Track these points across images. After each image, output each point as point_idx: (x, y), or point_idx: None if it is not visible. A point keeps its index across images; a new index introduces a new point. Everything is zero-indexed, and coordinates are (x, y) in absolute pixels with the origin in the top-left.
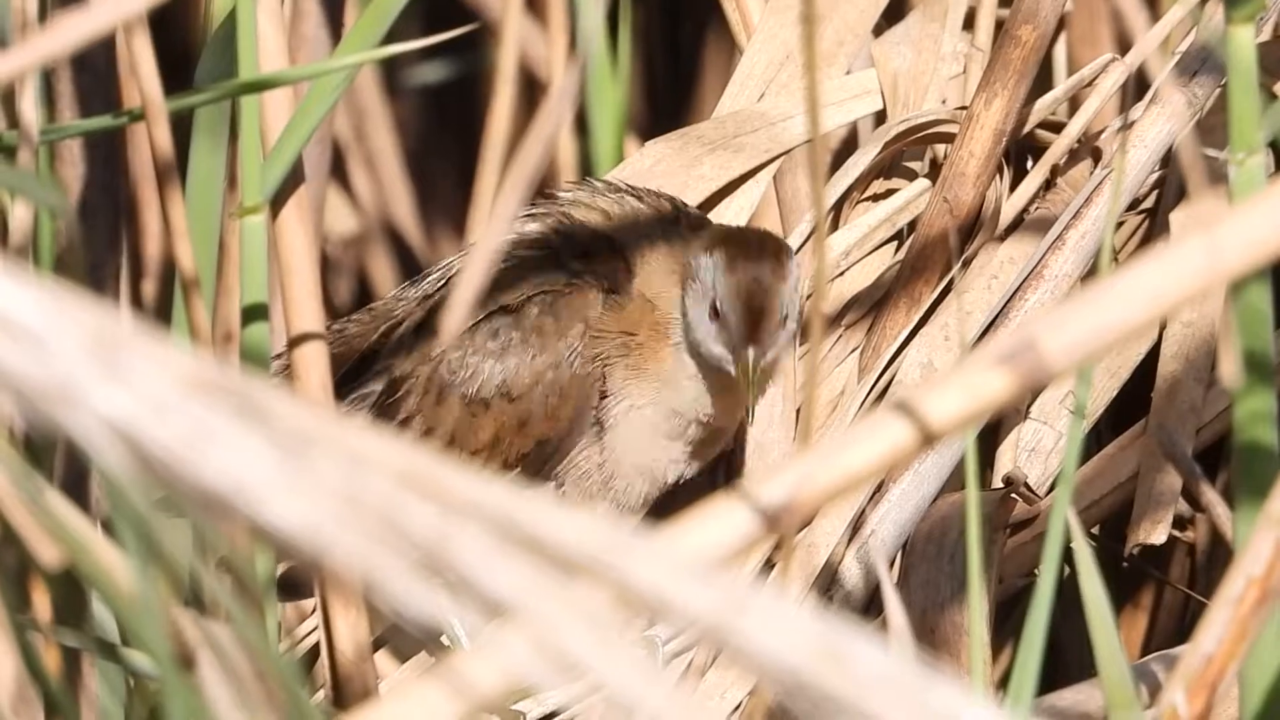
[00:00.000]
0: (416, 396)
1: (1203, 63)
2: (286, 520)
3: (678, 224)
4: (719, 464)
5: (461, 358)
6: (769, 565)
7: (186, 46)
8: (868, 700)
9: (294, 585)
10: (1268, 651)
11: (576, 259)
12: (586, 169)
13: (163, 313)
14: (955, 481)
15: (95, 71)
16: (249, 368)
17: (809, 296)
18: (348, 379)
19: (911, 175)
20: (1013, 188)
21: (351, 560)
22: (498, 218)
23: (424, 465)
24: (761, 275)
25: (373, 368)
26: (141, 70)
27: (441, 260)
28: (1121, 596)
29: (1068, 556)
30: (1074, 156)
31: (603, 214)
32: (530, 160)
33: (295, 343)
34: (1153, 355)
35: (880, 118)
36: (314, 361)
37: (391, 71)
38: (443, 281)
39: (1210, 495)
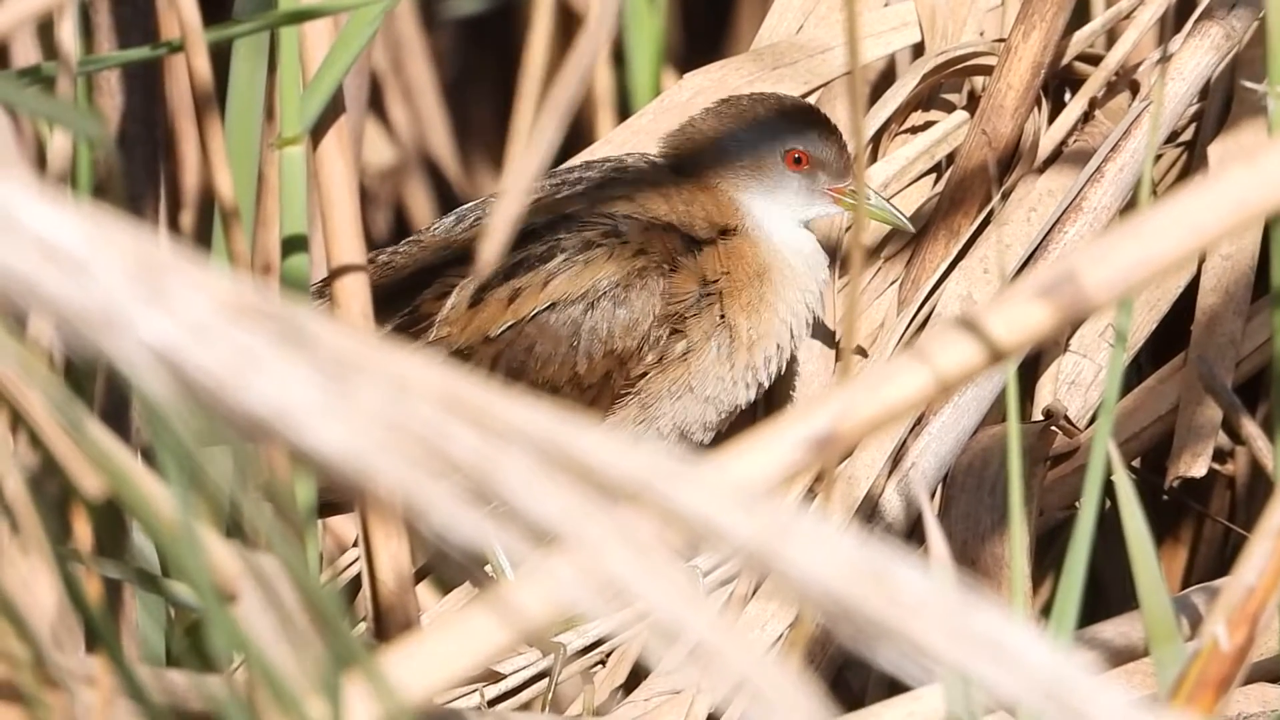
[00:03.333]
0: (483, 373)
1: None
2: (329, 445)
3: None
4: (760, 395)
5: (530, 349)
6: (810, 497)
7: None
8: (911, 624)
9: (332, 504)
10: None
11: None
12: (623, 100)
13: (202, 244)
14: (995, 414)
15: (134, 3)
16: (289, 298)
17: (848, 229)
18: (393, 310)
19: (950, 107)
20: (1051, 120)
21: (394, 486)
22: (535, 148)
23: (468, 391)
24: (808, 105)
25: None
26: (180, 1)
27: (482, 193)
28: (1162, 529)
29: (1108, 489)
30: (1112, 89)
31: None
32: (567, 91)
33: (336, 273)
34: (1192, 288)
35: (918, 50)
36: (355, 291)
37: (429, 3)
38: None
39: (1250, 428)
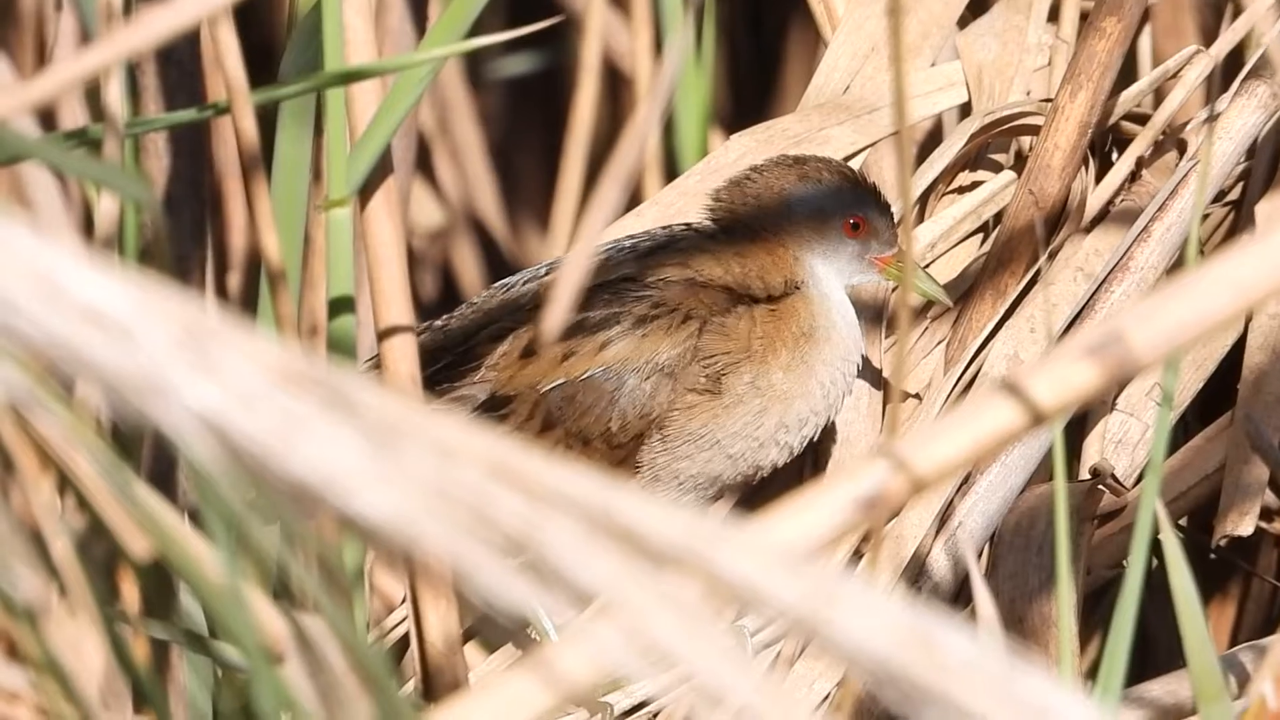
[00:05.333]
0: (519, 419)
1: None
2: (376, 511)
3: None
4: (806, 455)
5: (572, 396)
6: (857, 557)
7: (270, 40)
8: (957, 689)
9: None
10: None
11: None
12: (671, 161)
13: (248, 306)
14: (1043, 473)
15: (180, 65)
16: (336, 361)
17: (895, 290)
18: (444, 375)
19: (997, 167)
20: (1098, 180)
21: (441, 551)
22: (595, 214)
23: (513, 456)
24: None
25: (473, 370)
26: (227, 62)
27: (529, 253)
28: (1209, 587)
29: (1155, 548)
30: (1159, 149)
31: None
32: (626, 160)
33: (384, 335)
34: (1239, 346)
35: (965, 110)
36: (403, 354)
37: (476, 64)
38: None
39: None
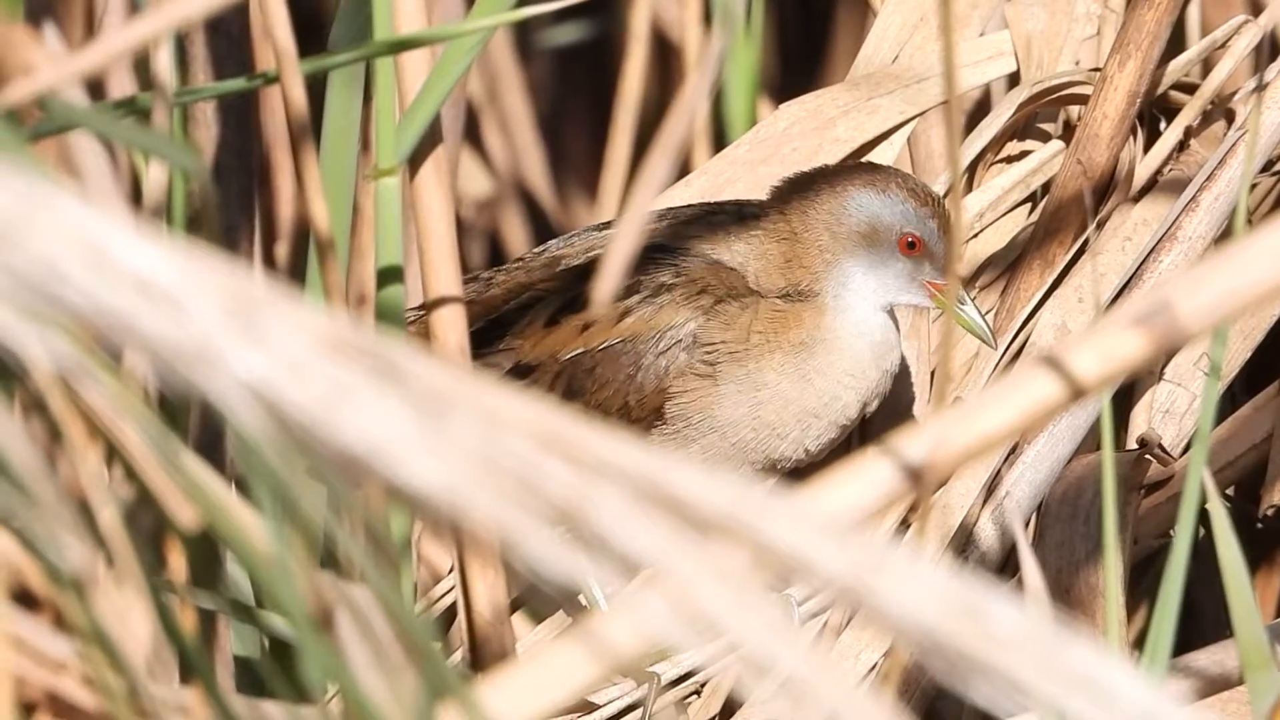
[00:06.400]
0: (542, 389)
1: None
2: (424, 481)
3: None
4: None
5: (592, 368)
6: (904, 526)
7: (319, 9)
8: (1003, 659)
9: None
10: None
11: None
12: (719, 132)
13: (296, 275)
14: (1090, 443)
15: (229, 34)
16: (384, 330)
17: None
18: (478, 340)
19: (1045, 137)
20: (1146, 149)
21: (489, 521)
22: (645, 186)
23: (561, 425)
24: (937, 196)
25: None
26: (276, 31)
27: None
28: (1256, 557)
29: (1203, 517)
30: (1207, 118)
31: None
32: (675, 131)
33: (433, 305)
34: None
35: (1014, 79)
36: (452, 323)
37: (525, 34)
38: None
39: None
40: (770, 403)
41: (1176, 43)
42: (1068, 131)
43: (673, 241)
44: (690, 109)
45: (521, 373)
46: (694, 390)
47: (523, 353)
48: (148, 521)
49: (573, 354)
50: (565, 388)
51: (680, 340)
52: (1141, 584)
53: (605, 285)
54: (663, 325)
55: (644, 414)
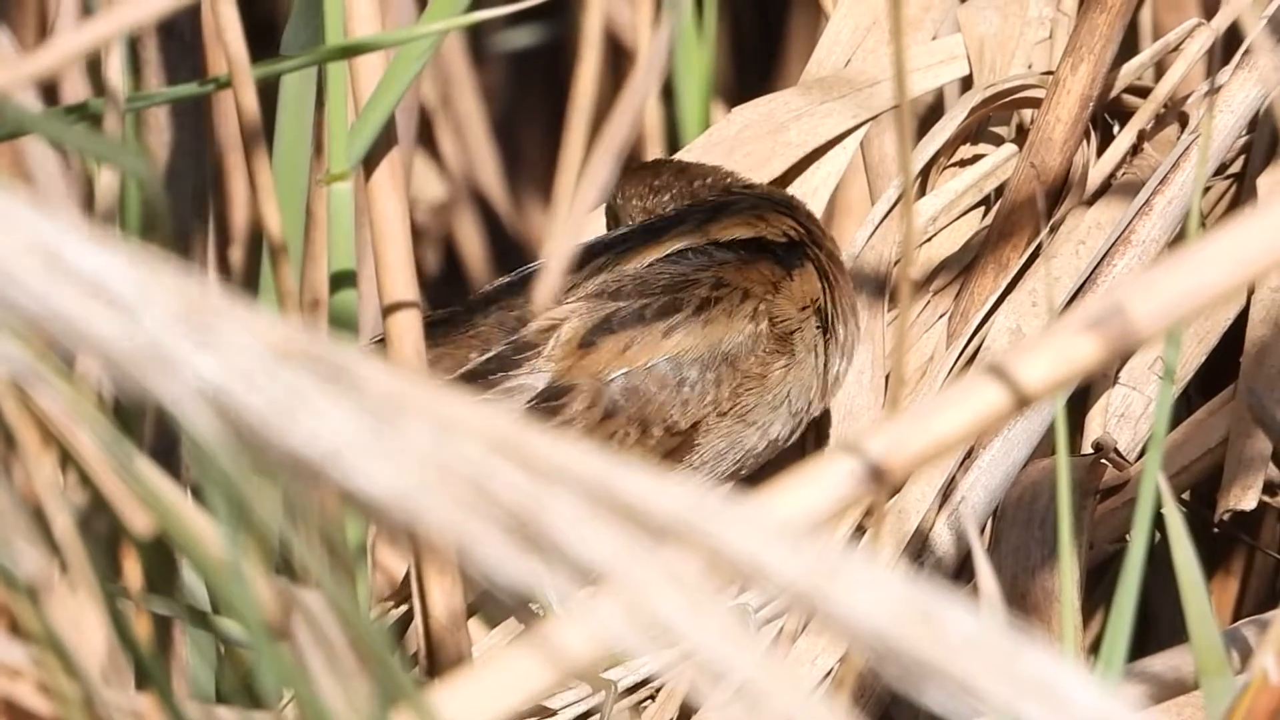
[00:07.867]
0: (579, 409)
1: None
2: (378, 486)
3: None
4: (808, 430)
5: (635, 386)
6: (859, 531)
7: (271, 14)
8: (958, 664)
9: None
10: None
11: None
12: (672, 135)
13: (249, 280)
14: (1045, 447)
15: (181, 39)
16: (337, 335)
17: (897, 262)
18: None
19: (998, 141)
20: (1099, 153)
21: (443, 527)
22: (587, 187)
23: (514, 432)
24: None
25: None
26: (228, 36)
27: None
28: (1212, 562)
29: (1158, 522)
30: (1160, 122)
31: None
32: (620, 130)
33: (389, 310)
34: (1241, 320)
35: (966, 83)
36: (407, 328)
37: (478, 37)
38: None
39: None
40: (793, 370)
41: (1129, 46)
42: (1021, 135)
43: (708, 237)
44: (635, 107)
45: (556, 394)
46: (751, 379)
47: (558, 375)
48: (102, 528)
49: (617, 374)
50: (606, 407)
51: (726, 356)
52: (1097, 589)
53: (543, 290)
54: (711, 342)
55: (687, 426)
